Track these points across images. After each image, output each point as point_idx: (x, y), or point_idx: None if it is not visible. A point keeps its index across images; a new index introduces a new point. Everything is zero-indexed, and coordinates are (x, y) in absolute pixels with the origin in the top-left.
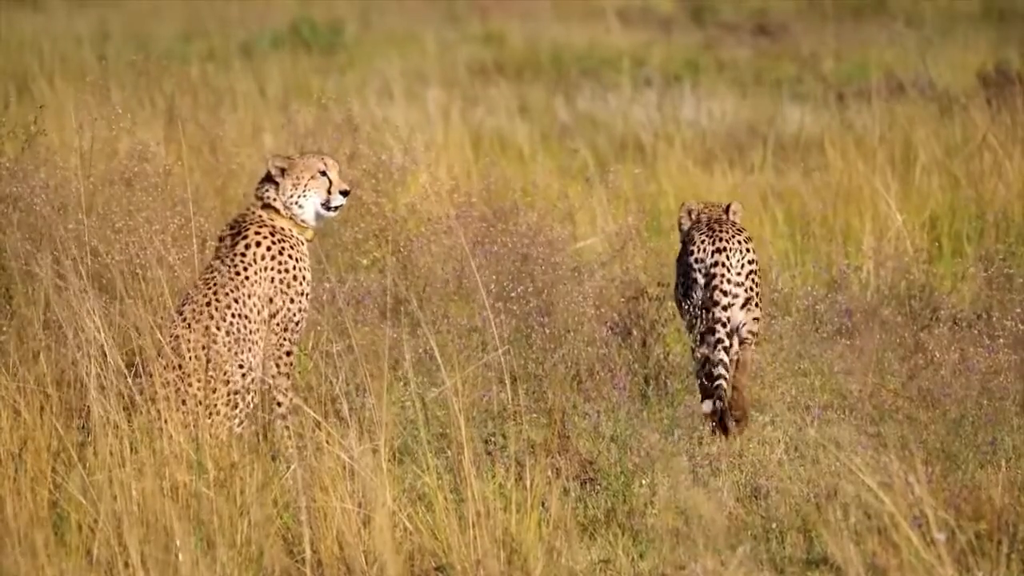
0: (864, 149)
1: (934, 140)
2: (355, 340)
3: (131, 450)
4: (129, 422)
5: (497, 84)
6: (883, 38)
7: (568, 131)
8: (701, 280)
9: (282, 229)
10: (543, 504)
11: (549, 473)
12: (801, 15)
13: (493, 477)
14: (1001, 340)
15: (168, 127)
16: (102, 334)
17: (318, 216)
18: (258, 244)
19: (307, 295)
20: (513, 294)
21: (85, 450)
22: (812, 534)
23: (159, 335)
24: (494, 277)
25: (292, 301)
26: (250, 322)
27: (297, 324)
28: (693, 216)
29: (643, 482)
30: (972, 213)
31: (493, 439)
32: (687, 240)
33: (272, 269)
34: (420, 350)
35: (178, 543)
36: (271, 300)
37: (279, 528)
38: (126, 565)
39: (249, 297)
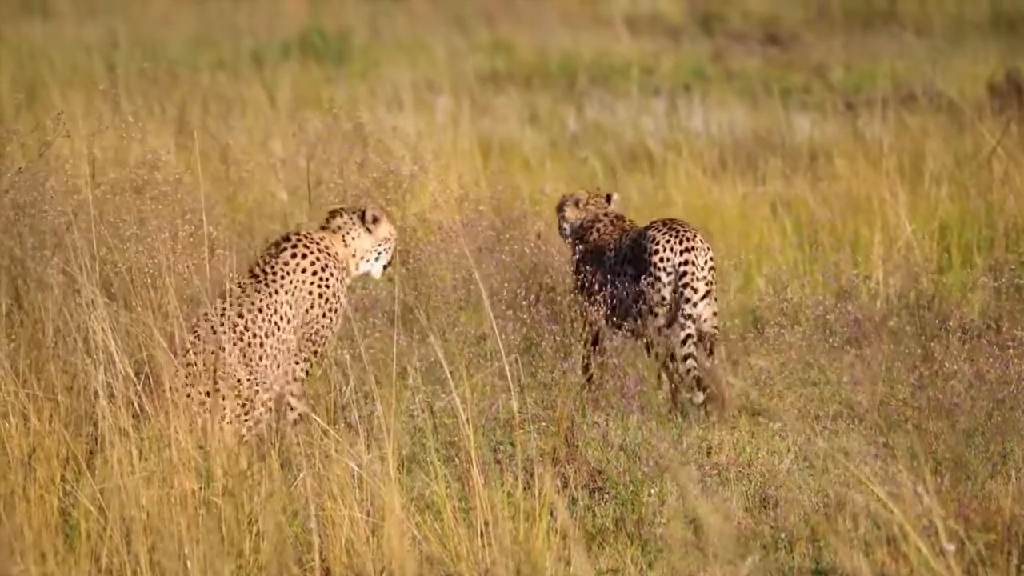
0: (873, 158)
1: (944, 150)
2: (364, 348)
3: (140, 458)
4: (138, 430)
5: (506, 92)
6: (893, 48)
7: (577, 139)
8: (665, 278)
9: (336, 254)
10: (552, 513)
11: (558, 482)
12: (811, 24)
13: (502, 486)
14: (1011, 350)
15: (178, 135)
16: (111, 342)
17: (372, 273)
18: (304, 256)
19: (337, 316)
20: (523, 303)
21: (94, 458)
22: (821, 544)
23: (189, 334)
24: (504, 285)
25: (324, 316)
26: (279, 329)
27: (323, 340)
28: (581, 207)
29: (652, 491)
30: (982, 223)
31: (502, 447)
32: (611, 235)
33: (312, 284)
34: (429, 358)
35: (187, 551)
36: (306, 311)
37: (288, 536)
38: (135, 573)
39: (282, 305)
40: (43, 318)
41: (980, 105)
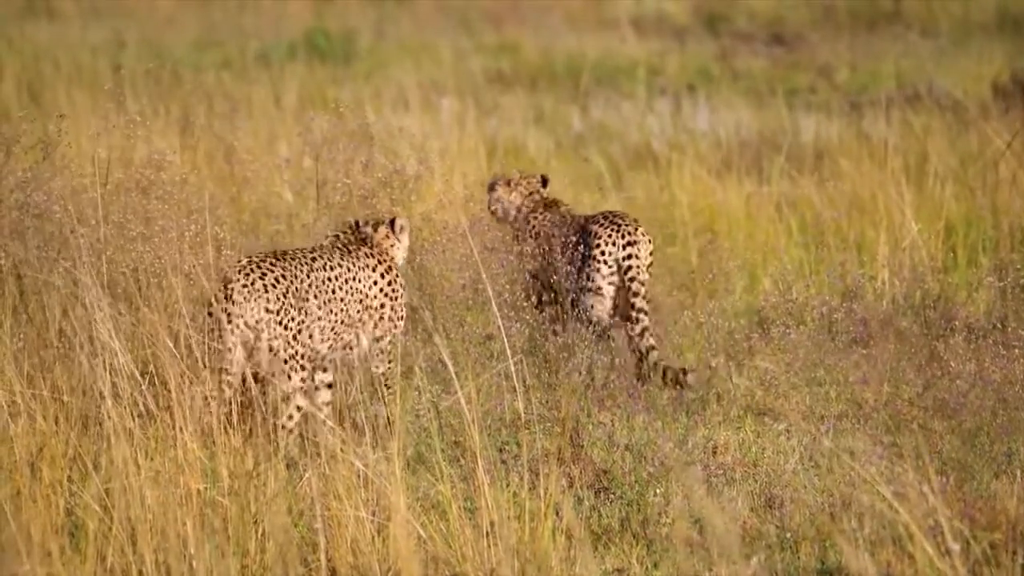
0: (879, 158)
1: (949, 150)
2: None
3: (146, 457)
4: (143, 430)
5: (511, 93)
6: (898, 48)
7: (582, 140)
8: (606, 271)
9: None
10: (557, 513)
11: (563, 482)
12: (816, 25)
13: (507, 486)
14: (1016, 350)
15: (184, 135)
16: (116, 342)
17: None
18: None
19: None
20: (527, 303)
21: (100, 458)
22: (827, 544)
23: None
24: (507, 286)
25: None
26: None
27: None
28: (512, 186)
29: (657, 491)
30: (987, 223)
31: (507, 448)
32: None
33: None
34: (435, 358)
35: (192, 551)
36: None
37: (293, 536)
38: (140, 573)
39: (349, 293)
40: (48, 319)
41: (985, 105)
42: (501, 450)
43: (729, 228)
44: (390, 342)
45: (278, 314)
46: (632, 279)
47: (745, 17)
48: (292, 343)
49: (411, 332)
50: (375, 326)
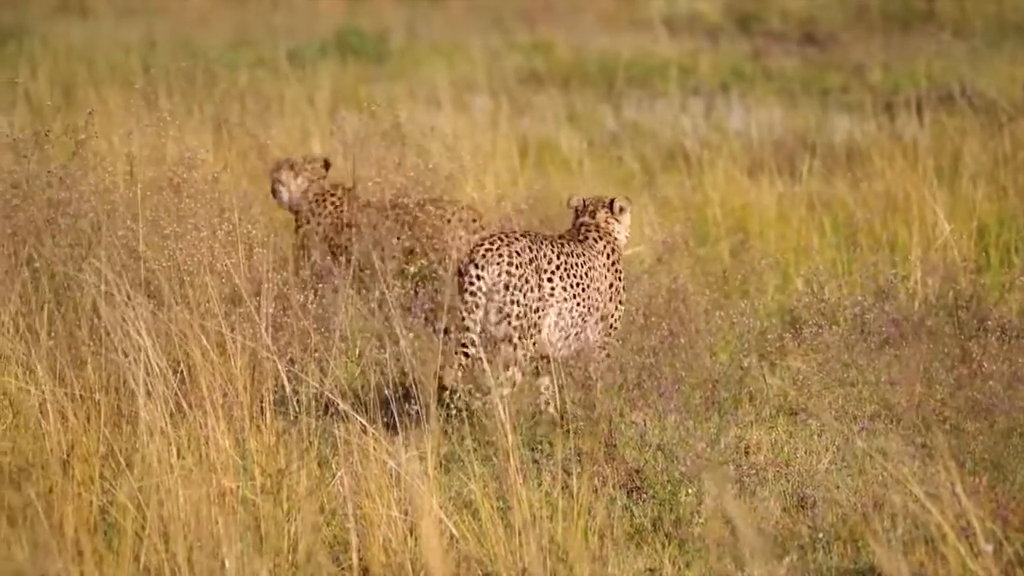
0: (911, 159)
1: (981, 150)
2: (404, 347)
3: (178, 456)
4: (176, 428)
5: (544, 92)
6: (931, 48)
7: (615, 140)
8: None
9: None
10: (589, 512)
11: (595, 482)
12: (849, 25)
13: (539, 485)
14: None
15: (216, 134)
16: (148, 340)
17: None
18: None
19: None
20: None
21: (133, 456)
22: (859, 544)
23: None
24: None
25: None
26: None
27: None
28: (297, 170)
29: (689, 491)
30: (1020, 223)
31: (540, 447)
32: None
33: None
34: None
35: (225, 549)
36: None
37: (325, 536)
38: (173, 571)
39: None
40: (81, 316)
41: (1018, 105)
42: (533, 449)
43: (761, 228)
44: (612, 326)
45: (518, 283)
46: None
47: (778, 17)
48: (529, 315)
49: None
50: (602, 308)
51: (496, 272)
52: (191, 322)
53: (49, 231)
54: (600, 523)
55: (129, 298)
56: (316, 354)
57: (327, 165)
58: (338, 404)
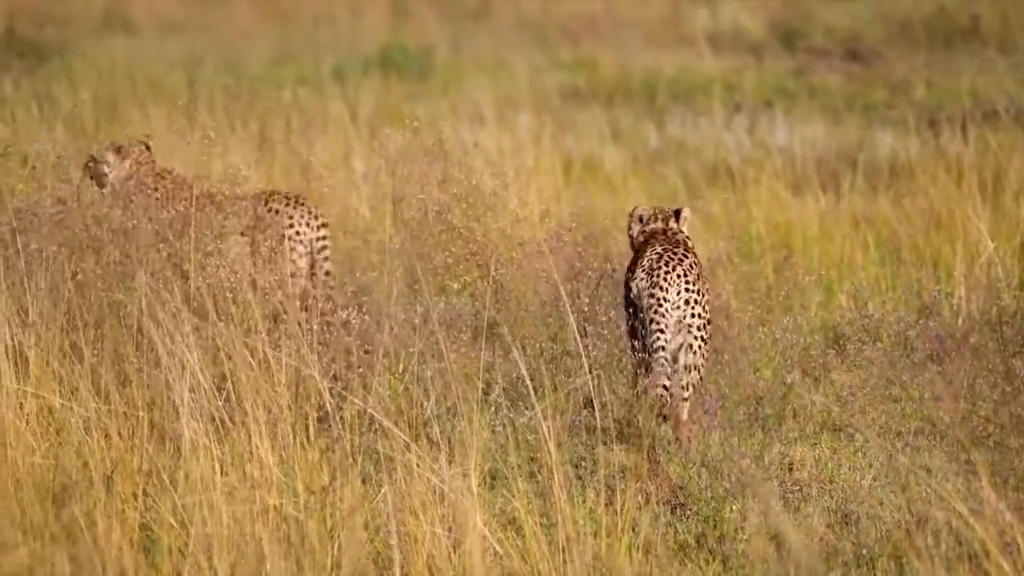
0: (955, 175)
1: None
2: (448, 363)
3: (222, 473)
4: (219, 445)
5: (588, 109)
6: (975, 64)
7: (659, 156)
8: (302, 250)
9: None
10: (633, 529)
11: (639, 498)
12: (893, 41)
13: (583, 502)
14: None
15: (260, 150)
16: (193, 357)
17: None
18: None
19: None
20: (604, 318)
21: (176, 473)
22: (903, 561)
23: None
24: (585, 301)
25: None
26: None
27: None
28: (122, 156)
29: (734, 507)
30: None
31: (583, 464)
32: None
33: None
34: (512, 375)
35: (268, 567)
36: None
37: (369, 552)
38: None
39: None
40: (125, 334)
41: None
42: (577, 466)
43: (805, 244)
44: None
45: (697, 297)
46: (327, 259)
47: (822, 33)
48: (705, 327)
49: (489, 347)
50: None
51: (676, 292)
52: (235, 339)
53: (93, 248)
54: (644, 540)
55: (175, 315)
56: (360, 371)
57: (148, 148)
58: (382, 421)
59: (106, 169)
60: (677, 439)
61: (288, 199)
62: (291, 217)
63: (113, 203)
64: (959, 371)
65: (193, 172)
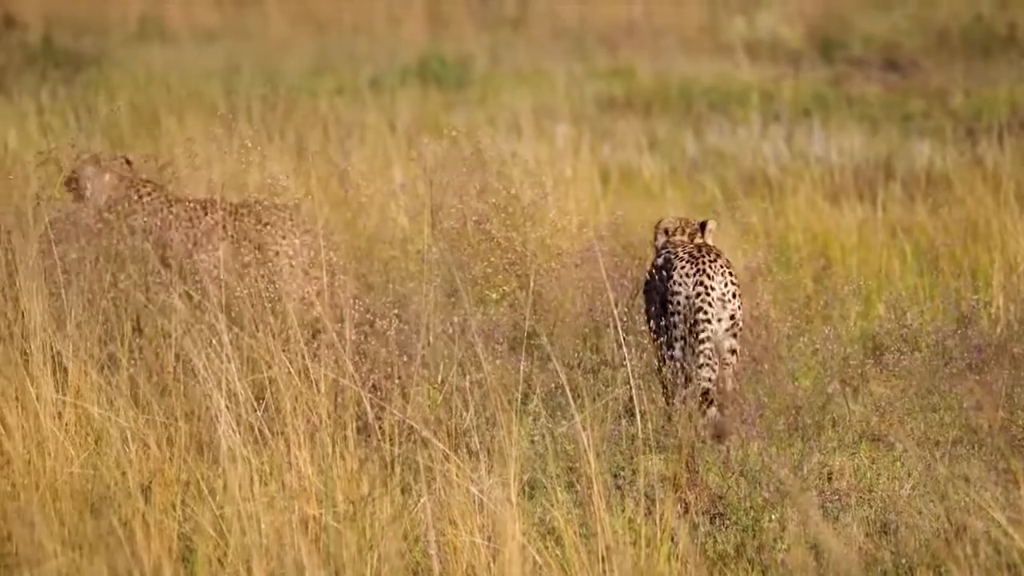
0: (993, 185)
1: None
2: (487, 373)
3: (260, 483)
4: (258, 455)
5: (625, 119)
6: (1012, 74)
7: (696, 166)
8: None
9: None
10: (672, 539)
11: (678, 508)
12: (930, 51)
13: (623, 511)
14: None
15: (297, 160)
16: (232, 367)
17: None
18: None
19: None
20: (643, 328)
21: (214, 483)
22: (941, 570)
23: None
24: (625, 311)
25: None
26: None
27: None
28: (115, 170)
29: (773, 517)
30: None
31: (622, 474)
32: None
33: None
34: (550, 384)
35: None
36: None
37: (409, 562)
38: None
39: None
40: (164, 344)
41: None
42: (616, 475)
43: (843, 254)
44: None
45: (737, 291)
46: (276, 253)
47: (859, 43)
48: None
49: (528, 357)
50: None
51: (723, 283)
52: (273, 349)
53: (133, 258)
54: (683, 549)
55: (213, 324)
56: (398, 381)
57: (129, 162)
58: (421, 431)
59: (85, 182)
60: (719, 422)
61: (272, 208)
62: (268, 225)
63: (146, 213)
64: (998, 380)
65: (231, 181)
